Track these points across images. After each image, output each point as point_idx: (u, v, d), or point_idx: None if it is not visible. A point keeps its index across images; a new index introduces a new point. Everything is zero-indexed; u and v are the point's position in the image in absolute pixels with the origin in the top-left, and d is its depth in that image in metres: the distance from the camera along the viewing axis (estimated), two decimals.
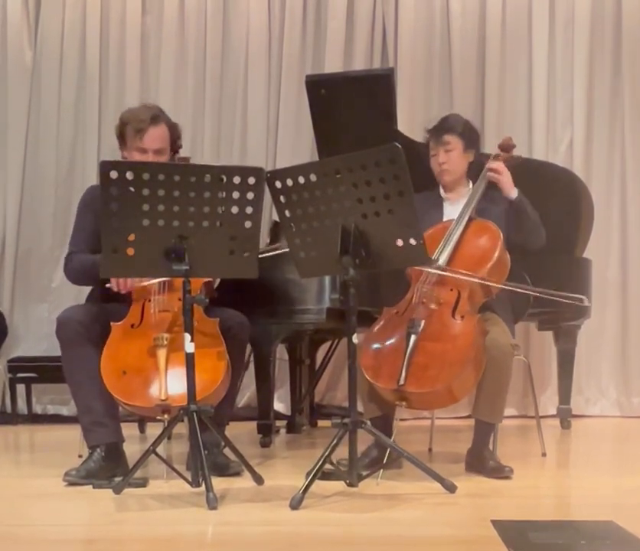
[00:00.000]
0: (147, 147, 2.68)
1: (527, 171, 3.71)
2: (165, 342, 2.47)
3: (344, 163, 2.26)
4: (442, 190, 2.89)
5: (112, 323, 2.57)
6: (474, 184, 2.86)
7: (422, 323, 2.52)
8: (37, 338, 4.46)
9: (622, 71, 4.50)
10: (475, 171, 2.89)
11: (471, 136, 2.86)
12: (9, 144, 4.54)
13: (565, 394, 3.94)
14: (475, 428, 2.64)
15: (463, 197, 2.83)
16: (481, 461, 2.58)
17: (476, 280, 2.58)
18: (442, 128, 2.84)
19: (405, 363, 2.45)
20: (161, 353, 2.45)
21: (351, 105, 3.55)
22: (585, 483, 2.61)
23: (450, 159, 2.82)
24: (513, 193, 2.75)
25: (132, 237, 2.27)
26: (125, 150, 2.76)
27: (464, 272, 2.60)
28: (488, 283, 2.61)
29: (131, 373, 2.47)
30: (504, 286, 2.66)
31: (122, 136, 2.74)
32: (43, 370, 4.25)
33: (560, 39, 4.53)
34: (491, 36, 4.54)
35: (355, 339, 2.32)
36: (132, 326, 2.58)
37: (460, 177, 2.86)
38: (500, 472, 2.52)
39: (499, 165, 2.80)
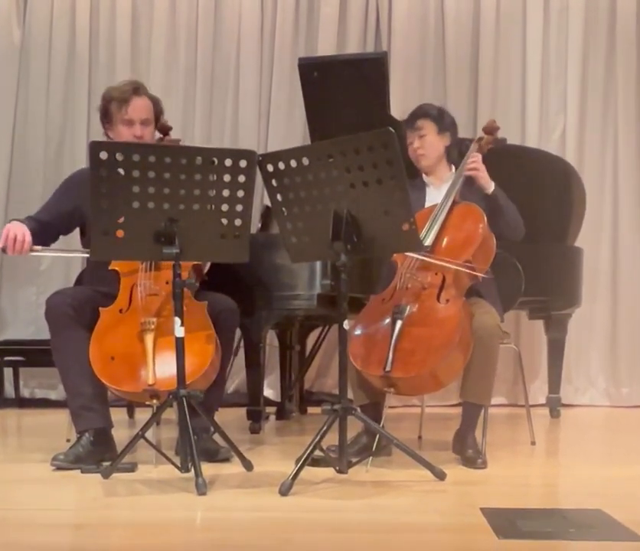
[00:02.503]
0: (133, 117, 2.67)
1: (520, 159, 3.71)
2: (153, 326, 2.45)
3: (336, 147, 2.24)
4: (424, 176, 2.89)
5: (100, 308, 2.55)
6: (456, 168, 2.85)
7: (408, 308, 2.52)
8: (25, 322, 4.44)
9: (616, 60, 4.50)
10: (459, 156, 2.88)
11: (444, 120, 2.85)
12: None
13: (555, 383, 3.95)
14: (463, 411, 2.64)
15: (446, 181, 2.82)
16: (463, 446, 2.58)
17: (453, 266, 2.57)
18: (415, 115, 2.86)
19: (391, 348, 2.45)
20: (149, 338, 2.44)
21: (343, 89, 3.53)
22: (573, 472, 2.62)
23: (424, 144, 2.82)
24: (489, 187, 2.74)
25: (120, 219, 2.24)
26: (110, 129, 2.73)
27: (446, 258, 2.59)
28: (467, 270, 2.59)
29: (119, 359, 2.46)
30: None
31: (106, 113, 2.72)
32: (31, 354, 4.23)
33: (554, 26, 4.52)
34: (485, 22, 4.53)
35: (346, 325, 2.30)
36: (121, 311, 2.56)
37: (437, 161, 2.85)
38: (473, 463, 2.51)
39: (477, 160, 2.77)
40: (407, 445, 2.38)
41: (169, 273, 2.47)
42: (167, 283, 2.53)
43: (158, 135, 2.79)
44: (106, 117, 2.73)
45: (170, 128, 2.81)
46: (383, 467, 2.49)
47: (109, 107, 2.70)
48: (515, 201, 2.79)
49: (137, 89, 2.72)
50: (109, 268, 2.61)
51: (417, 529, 1.87)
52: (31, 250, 2.57)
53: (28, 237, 2.55)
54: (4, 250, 2.56)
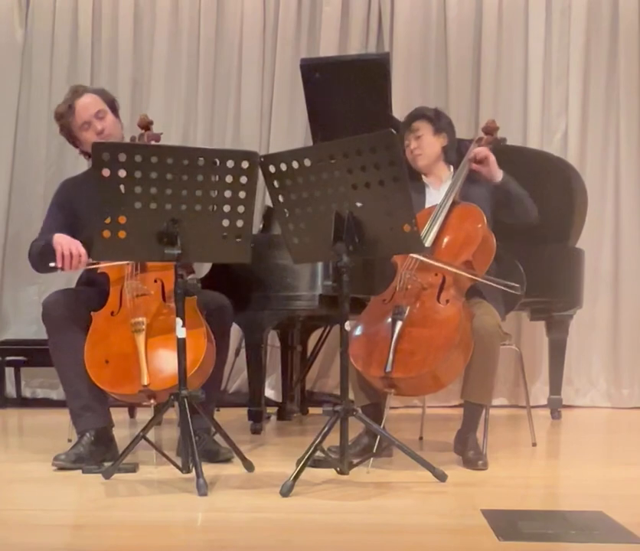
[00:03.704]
0: (85, 118, 2.67)
1: (521, 160, 3.70)
2: (143, 327, 2.44)
3: (338, 148, 2.24)
4: (424, 178, 2.89)
5: (92, 313, 2.54)
6: (455, 168, 2.85)
7: (408, 309, 2.52)
8: (26, 321, 4.44)
9: (618, 61, 4.49)
10: (458, 156, 2.88)
11: (440, 120, 2.85)
12: None
13: (556, 384, 3.95)
14: (464, 411, 2.64)
15: (445, 182, 2.82)
16: (464, 447, 2.59)
17: (452, 269, 2.57)
18: (411, 117, 2.86)
19: (391, 349, 2.45)
20: (140, 339, 2.43)
21: (345, 90, 3.53)
22: (574, 473, 2.62)
23: (421, 144, 2.82)
24: (498, 176, 2.74)
25: (122, 220, 2.24)
26: (79, 144, 2.73)
27: (445, 261, 2.59)
28: (462, 273, 2.59)
29: (113, 362, 2.45)
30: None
31: (67, 133, 2.73)
32: (32, 354, 4.23)
33: (556, 28, 4.52)
34: (487, 24, 4.52)
35: (348, 326, 2.31)
36: (112, 313, 2.55)
37: (434, 161, 2.85)
38: (474, 464, 2.51)
39: (483, 149, 2.77)
40: (408, 446, 2.38)
41: (157, 272, 2.48)
42: (155, 281, 2.53)
43: (139, 131, 2.77)
44: (70, 136, 2.73)
45: (151, 123, 2.77)
46: (384, 468, 2.49)
47: (64, 124, 2.71)
48: None
49: (76, 91, 2.72)
50: (99, 271, 2.59)
51: (418, 530, 1.87)
52: (87, 264, 2.52)
53: (83, 250, 2.51)
54: (61, 268, 2.50)
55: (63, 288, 2.78)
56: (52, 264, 2.51)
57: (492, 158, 2.74)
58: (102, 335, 2.50)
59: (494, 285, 2.63)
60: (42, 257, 2.57)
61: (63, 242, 2.51)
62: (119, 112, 2.78)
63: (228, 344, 2.78)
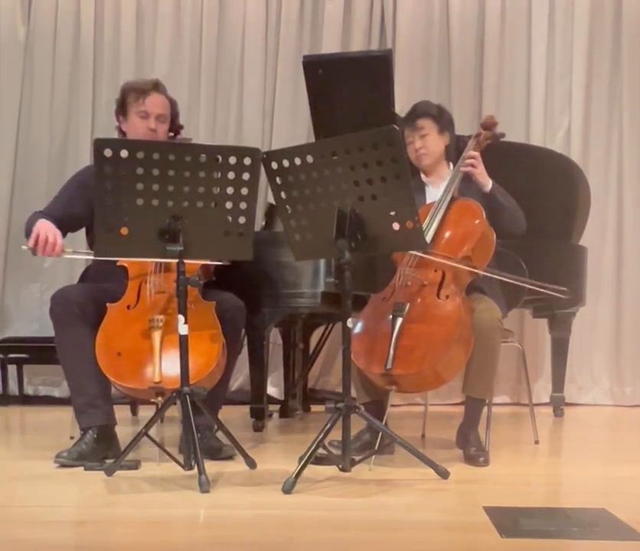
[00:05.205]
0: (149, 110, 2.69)
1: (524, 157, 3.70)
2: (160, 324, 2.45)
3: (341, 145, 2.23)
4: (423, 176, 2.88)
5: (108, 304, 2.55)
6: (454, 166, 2.84)
7: (407, 305, 2.52)
8: (28, 319, 4.44)
9: (621, 58, 4.49)
10: (456, 153, 2.87)
11: (444, 119, 2.84)
12: (1, 121, 4.49)
13: (558, 382, 3.95)
14: (466, 406, 2.64)
15: (444, 179, 2.81)
16: (466, 443, 2.59)
17: (455, 264, 2.57)
18: (415, 114, 2.83)
19: (392, 346, 2.45)
20: (156, 335, 2.44)
21: (348, 87, 3.53)
22: (577, 471, 2.62)
23: (426, 144, 2.80)
24: (487, 186, 2.73)
25: (125, 217, 2.23)
26: (124, 121, 2.74)
27: (446, 255, 2.59)
28: (472, 269, 2.59)
29: (126, 355, 2.45)
30: (488, 273, 2.62)
31: (123, 104, 2.74)
32: (34, 351, 4.24)
33: (560, 25, 4.51)
34: (490, 20, 4.52)
35: (350, 323, 2.30)
36: (128, 307, 2.56)
37: (438, 160, 2.84)
38: (475, 461, 2.52)
39: (475, 157, 2.75)
40: (410, 443, 2.38)
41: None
42: (175, 281, 2.53)
43: (169, 133, 2.80)
44: (122, 108, 2.74)
45: (181, 127, 2.82)
46: (386, 465, 2.49)
47: (127, 98, 2.72)
48: (519, 199, 2.78)
49: (157, 85, 2.75)
50: (118, 264, 2.60)
51: (420, 527, 1.87)
52: (63, 252, 2.54)
53: (60, 240, 2.52)
54: (33, 252, 2.52)
55: (66, 283, 2.78)
56: (24, 247, 2.54)
57: (479, 170, 2.71)
58: (117, 327, 2.50)
59: (541, 289, 2.62)
60: (27, 232, 2.59)
61: (42, 226, 2.52)
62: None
63: (239, 345, 2.79)
